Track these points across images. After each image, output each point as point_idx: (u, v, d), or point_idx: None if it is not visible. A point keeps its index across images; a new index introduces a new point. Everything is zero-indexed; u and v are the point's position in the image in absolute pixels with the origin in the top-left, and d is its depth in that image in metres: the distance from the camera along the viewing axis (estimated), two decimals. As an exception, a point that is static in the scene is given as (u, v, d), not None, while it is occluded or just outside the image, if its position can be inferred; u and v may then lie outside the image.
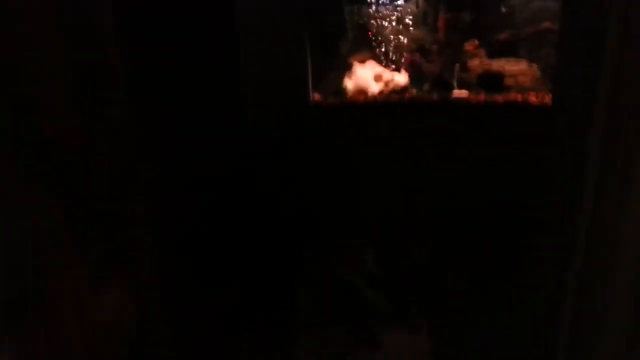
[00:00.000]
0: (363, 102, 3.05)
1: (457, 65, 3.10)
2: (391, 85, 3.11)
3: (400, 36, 3.21)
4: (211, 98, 2.49)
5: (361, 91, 3.11)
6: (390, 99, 3.05)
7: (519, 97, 2.93)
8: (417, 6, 3.20)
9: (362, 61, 3.19)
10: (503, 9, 3.15)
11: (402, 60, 3.21)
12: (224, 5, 2.81)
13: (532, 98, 2.90)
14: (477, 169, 3.01)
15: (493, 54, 3.14)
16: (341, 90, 3.10)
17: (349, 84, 3.13)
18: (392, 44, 3.22)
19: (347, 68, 3.16)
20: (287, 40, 2.97)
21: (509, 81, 3.10)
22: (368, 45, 3.23)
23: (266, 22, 2.90)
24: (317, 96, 3.11)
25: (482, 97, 2.97)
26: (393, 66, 3.21)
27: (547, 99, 2.88)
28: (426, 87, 3.09)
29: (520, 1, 3.11)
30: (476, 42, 3.15)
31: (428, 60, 3.15)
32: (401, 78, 3.12)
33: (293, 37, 3.00)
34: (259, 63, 3.05)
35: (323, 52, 3.18)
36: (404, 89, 3.09)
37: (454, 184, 3.05)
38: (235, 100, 3.03)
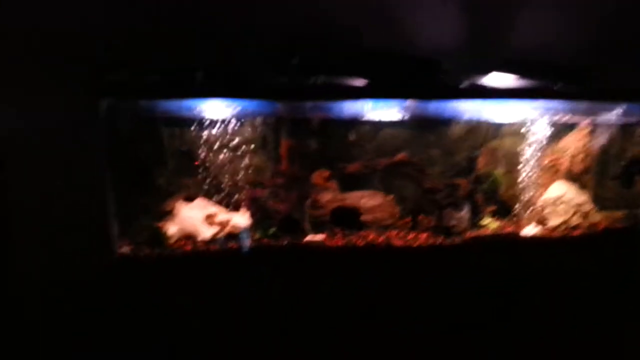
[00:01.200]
0: (190, 253, 2.28)
1: (308, 201, 2.57)
2: (228, 229, 2.42)
3: (236, 166, 2.59)
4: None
5: (188, 237, 2.35)
6: (227, 246, 2.34)
7: (380, 239, 2.48)
8: (255, 130, 2.66)
9: (189, 199, 2.48)
10: (352, 136, 2.78)
11: (241, 197, 2.57)
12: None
13: (396, 240, 2.47)
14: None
15: (346, 186, 2.70)
16: (160, 238, 2.30)
17: (172, 228, 2.35)
18: (226, 176, 2.58)
19: (167, 208, 2.40)
20: (80, 173, 2.16)
21: (365, 217, 2.66)
22: (194, 178, 2.54)
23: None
24: (125, 247, 2.25)
25: (339, 240, 2.45)
26: (230, 204, 2.54)
27: (411, 239, 2.48)
28: (273, 229, 2.46)
29: (369, 129, 2.79)
30: (326, 172, 2.68)
31: (273, 195, 2.56)
32: (241, 219, 2.46)
33: (88, 168, 2.19)
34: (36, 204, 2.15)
35: (134, 189, 2.39)
36: (243, 233, 2.42)
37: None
38: None
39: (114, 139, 2.32)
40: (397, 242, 2.45)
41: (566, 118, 2.71)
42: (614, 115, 2.65)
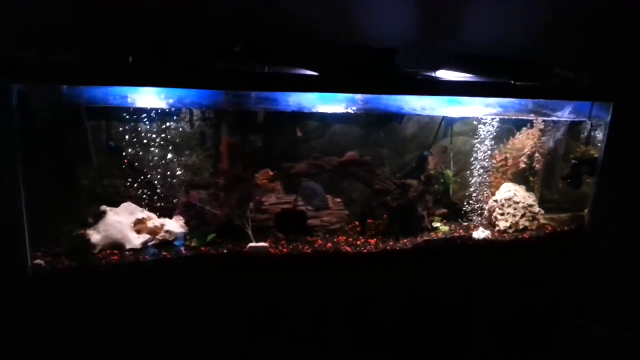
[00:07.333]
0: (116, 264, 2.03)
1: (251, 204, 2.37)
2: (160, 236, 2.18)
3: (170, 166, 2.35)
4: None
5: (115, 246, 2.10)
6: (160, 256, 2.11)
7: (329, 246, 2.33)
8: (192, 126, 2.42)
9: (115, 203, 2.21)
10: (299, 133, 2.60)
11: (176, 201, 2.33)
12: None
13: (346, 247, 2.33)
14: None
15: (291, 188, 2.53)
16: (82, 247, 2.03)
17: (96, 236, 2.09)
18: (159, 177, 2.33)
19: (91, 214, 2.13)
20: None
21: (313, 221, 2.50)
22: (123, 178, 2.28)
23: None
24: (41, 259, 1.97)
25: (284, 247, 2.28)
26: (162, 209, 2.30)
27: (361, 244, 2.35)
28: (212, 236, 2.25)
29: (317, 125, 2.61)
30: (270, 172, 2.49)
31: (212, 199, 2.34)
32: (175, 225, 2.23)
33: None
34: None
35: (52, 190, 2.10)
36: (178, 241, 2.20)
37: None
38: None
39: (28, 131, 2.01)
40: (347, 249, 2.31)
41: (518, 117, 2.66)
42: (564, 114, 2.62)
